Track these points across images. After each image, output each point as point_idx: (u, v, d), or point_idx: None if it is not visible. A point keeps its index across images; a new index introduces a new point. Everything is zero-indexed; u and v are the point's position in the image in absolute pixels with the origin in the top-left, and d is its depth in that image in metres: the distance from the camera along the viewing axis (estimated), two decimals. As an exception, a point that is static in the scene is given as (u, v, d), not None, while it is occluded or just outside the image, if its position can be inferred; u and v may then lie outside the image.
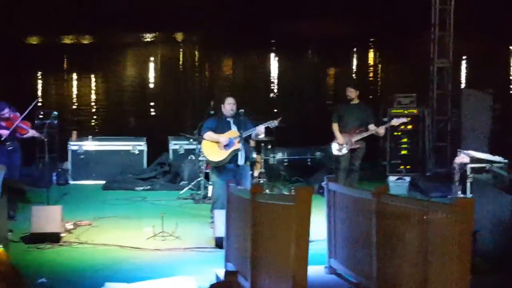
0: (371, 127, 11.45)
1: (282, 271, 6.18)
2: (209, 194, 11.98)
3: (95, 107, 17.02)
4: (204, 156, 10.99)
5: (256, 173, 12.20)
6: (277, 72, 17.70)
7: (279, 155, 13.66)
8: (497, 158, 10.18)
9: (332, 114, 11.81)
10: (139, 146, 13.89)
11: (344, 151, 11.49)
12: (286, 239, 6.08)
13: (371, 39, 17.83)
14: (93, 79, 17.33)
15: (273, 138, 12.35)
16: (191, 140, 12.94)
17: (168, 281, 7.86)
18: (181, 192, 12.68)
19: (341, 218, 7.46)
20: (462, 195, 10.23)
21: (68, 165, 13.70)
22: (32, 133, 11.00)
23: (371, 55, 18.51)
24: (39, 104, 15.67)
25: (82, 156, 13.70)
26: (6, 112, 10.66)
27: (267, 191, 11.47)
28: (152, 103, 17.10)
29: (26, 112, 10.84)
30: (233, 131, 9.93)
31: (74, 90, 17.19)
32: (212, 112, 11.66)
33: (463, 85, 16.18)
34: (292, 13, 16.23)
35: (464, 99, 13.28)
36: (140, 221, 10.64)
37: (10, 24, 14.57)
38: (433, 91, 13.63)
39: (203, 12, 16.16)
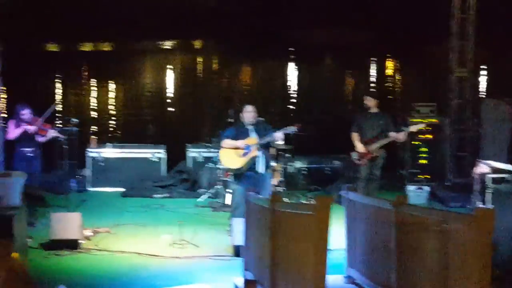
0: (391, 134, 11.41)
1: (301, 280, 6.16)
2: (227, 202, 11.99)
3: (114, 114, 17.08)
4: (222, 165, 10.99)
5: (275, 182, 12.19)
6: (295, 80, 17.66)
7: (298, 164, 13.66)
8: (517, 168, 10.11)
9: (352, 123, 11.78)
10: (158, 153, 13.93)
11: (364, 161, 11.48)
12: (305, 249, 6.05)
13: (390, 48, 17.75)
14: (112, 86, 17.39)
15: (292, 146, 12.34)
16: (209, 148, 12.97)
17: (186, 289, 7.87)
18: (199, 199, 12.69)
19: (360, 228, 7.43)
20: (482, 206, 10.16)
21: (87, 172, 13.76)
22: (52, 132, 11.07)
23: (389, 63, 18.40)
24: (59, 110, 15.74)
25: (101, 163, 13.76)
26: (26, 112, 10.77)
27: (285, 199, 11.45)
28: (170, 111, 17.15)
29: (46, 113, 10.93)
30: (252, 138, 9.92)
31: (93, 97, 17.25)
32: (231, 120, 11.69)
33: (482, 95, 16.08)
34: (311, 21, 16.20)
35: (484, 108, 13.21)
36: (158, 228, 10.66)
37: (29, 31, 14.66)
38: (452, 100, 13.57)
39: (222, 19, 16.17)
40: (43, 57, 16.63)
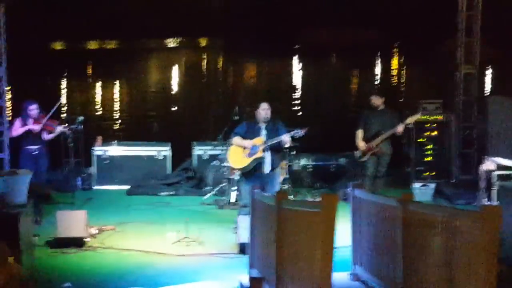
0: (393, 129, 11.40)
1: (307, 277, 6.15)
2: (232, 200, 11.99)
3: (119, 112, 17.09)
4: (228, 162, 10.99)
5: (280, 179, 12.18)
6: (300, 78, 17.65)
7: (303, 161, 13.65)
8: (523, 165, 10.10)
9: (358, 120, 11.78)
10: (164, 151, 13.93)
11: (367, 157, 11.50)
12: (311, 246, 6.05)
13: (395, 45, 17.74)
14: (117, 85, 17.40)
15: (297, 144, 12.33)
16: (215, 145, 12.97)
17: (192, 287, 7.87)
18: (205, 197, 12.69)
19: (366, 225, 7.42)
20: (488, 202, 10.14)
21: (92, 170, 13.78)
22: (60, 129, 11.08)
23: (395, 60, 18.38)
24: (64, 109, 15.76)
25: (106, 161, 13.77)
26: (35, 107, 10.80)
27: (290, 197, 11.44)
28: (176, 108, 17.15)
29: (52, 111, 10.97)
30: (260, 138, 9.87)
31: (99, 96, 17.26)
32: (237, 117, 11.68)
33: (488, 92, 16.05)
34: (316, 19, 16.17)
35: (490, 105, 13.18)
36: (164, 226, 10.67)
37: (34, 29, 14.67)
38: (459, 97, 13.55)
39: (227, 17, 16.16)
40: (48, 56, 16.64)
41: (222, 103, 16.88)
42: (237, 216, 10.09)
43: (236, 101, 16.07)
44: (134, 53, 17.61)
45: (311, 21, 16.33)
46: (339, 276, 7.28)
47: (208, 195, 12.73)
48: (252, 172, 9.84)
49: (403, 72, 17.85)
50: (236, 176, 11.67)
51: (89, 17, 15.45)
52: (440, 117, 13.10)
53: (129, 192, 13.32)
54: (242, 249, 8.98)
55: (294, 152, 13.06)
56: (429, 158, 13.02)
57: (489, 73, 16.30)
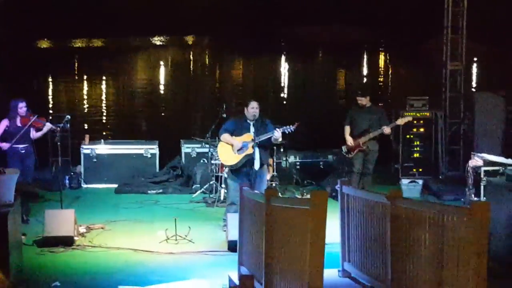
0: (383, 127, 11.43)
1: (297, 275, 6.16)
2: (221, 197, 11.99)
3: (106, 110, 17.06)
4: (218, 159, 10.98)
5: (268, 176, 12.19)
6: (287, 75, 17.67)
7: (292, 158, 13.65)
8: (510, 160, 10.13)
9: (345, 117, 11.80)
10: (152, 149, 13.89)
11: (353, 153, 11.55)
12: (301, 243, 6.06)
13: (382, 42, 17.80)
14: (104, 83, 17.36)
15: (285, 141, 12.33)
16: (203, 143, 12.96)
17: (181, 284, 7.86)
18: (194, 195, 12.68)
19: (355, 221, 7.44)
20: (475, 198, 10.19)
21: (80, 168, 13.73)
22: (48, 126, 11.04)
23: (381, 58, 18.47)
24: (50, 106, 15.72)
25: (94, 160, 13.72)
26: (23, 105, 10.76)
27: (279, 194, 11.45)
28: (163, 106, 17.13)
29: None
30: (249, 135, 9.87)
31: (85, 94, 17.22)
32: (224, 115, 11.67)
33: (475, 88, 16.12)
34: (303, 17, 16.20)
35: (477, 101, 13.22)
36: (153, 224, 10.65)
37: (21, 28, 14.60)
38: (445, 93, 13.59)
39: (214, 15, 16.16)
40: (34, 54, 16.59)
41: (209, 100, 16.88)
42: (224, 214, 10.11)
43: (223, 98, 16.06)
44: (120, 51, 17.61)
45: (298, 20, 16.37)
46: (328, 273, 7.27)
47: (197, 193, 12.71)
48: (241, 169, 9.84)
49: (390, 69, 17.92)
50: (225, 174, 11.66)
51: (76, 16, 15.41)
52: (427, 114, 13.11)
53: (117, 191, 13.28)
54: (232, 246, 8.98)
55: (282, 149, 13.07)
56: (416, 155, 13.05)
57: (475, 69, 16.38)
